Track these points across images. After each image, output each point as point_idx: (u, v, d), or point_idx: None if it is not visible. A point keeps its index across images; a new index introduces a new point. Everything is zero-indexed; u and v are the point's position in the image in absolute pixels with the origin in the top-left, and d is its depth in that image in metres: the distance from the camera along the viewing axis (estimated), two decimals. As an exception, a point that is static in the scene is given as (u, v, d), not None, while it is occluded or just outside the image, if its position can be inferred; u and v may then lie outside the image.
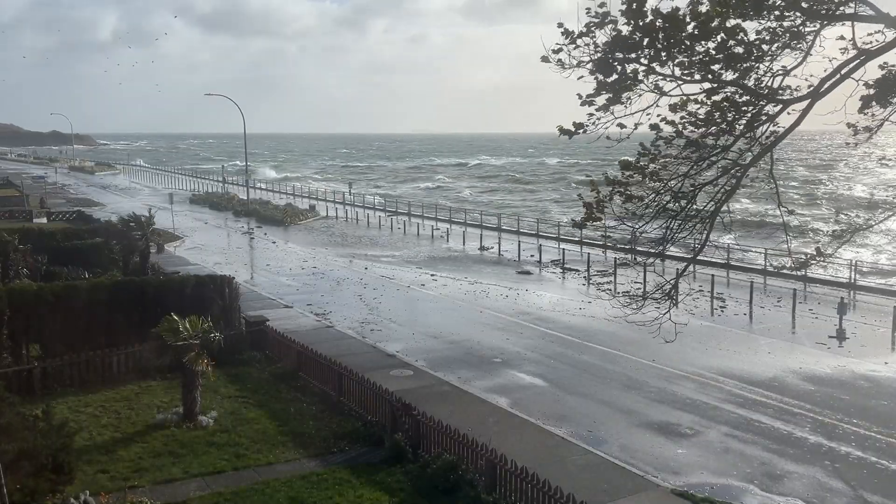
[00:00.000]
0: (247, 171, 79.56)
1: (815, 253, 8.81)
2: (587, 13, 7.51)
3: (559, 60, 7.66)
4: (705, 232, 8.72)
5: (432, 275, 38.19)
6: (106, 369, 20.52)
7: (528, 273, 39.32)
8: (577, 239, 49.15)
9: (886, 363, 23.32)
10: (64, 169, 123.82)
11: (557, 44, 7.65)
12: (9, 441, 11.88)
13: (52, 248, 34.72)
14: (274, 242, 49.89)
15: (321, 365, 19.94)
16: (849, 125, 8.20)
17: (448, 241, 50.91)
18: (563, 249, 43.93)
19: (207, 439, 16.68)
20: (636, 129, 7.93)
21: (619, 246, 37.99)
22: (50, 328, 21.28)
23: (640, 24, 7.38)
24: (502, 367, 22.76)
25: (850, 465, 16.04)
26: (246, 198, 70.93)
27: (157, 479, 14.79)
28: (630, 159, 8.14)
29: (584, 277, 37.85)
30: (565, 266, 40.65)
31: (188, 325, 18.02)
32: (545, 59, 7.67)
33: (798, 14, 7.70)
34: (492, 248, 47.34)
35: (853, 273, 35.18)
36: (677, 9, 7.49)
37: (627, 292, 9.66)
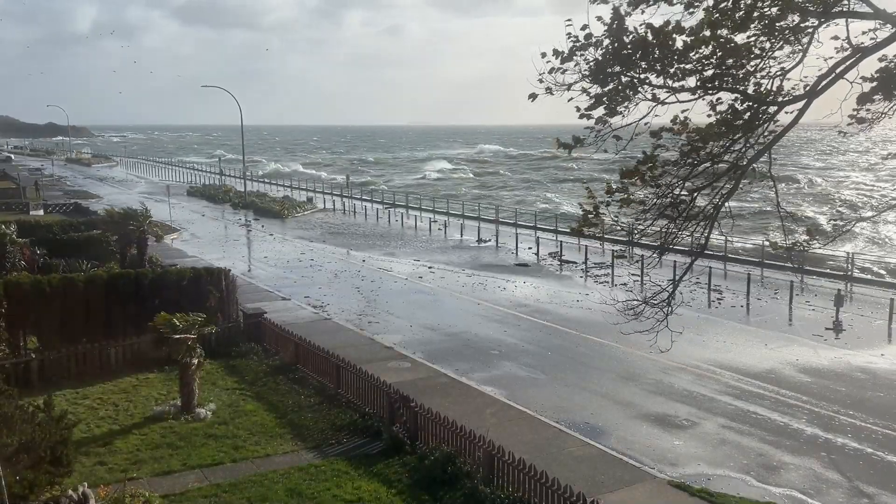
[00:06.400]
0: (244, 163, 79.36)
1: (807, 237, 8.83)
2: (568, 38, 7.63)
3: (547, 88, 7.84)
4: (705, 234, 8.72)
5: (430, 267, 38.22)
6: (104, 361, 20.54)
7: (525, 265, 39.34)
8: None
9: (883, 355, 23.39)
10: (61, 161, 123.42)
11: (540, 74, 7.81)
12: (7, 433, 11.88)
13: (49, 240, 34.73)
14: (271, 235, 49.84)
15: (319, 357, 19.96)
16: (850, 116, 8.21)
17: (446, 233, 50.89)
18: (561, 242, 43.95)
19: (205, 431, 16.72)
20: (632, 139, 7.99)
21: (617, 238, 38.00)
22: (47, 320, 21.29)
23: (626, 41, 7.46)
24: (500, 359, 22.79)
25: (847, 456, 16.11)
26: (243, 190, 70.79)
27: (155, 470, 14.83)
28: (629, 167, 8.14)
29: (582, 270, 37.89)
30: (563, 258, 40.70)
31: (183, 320, 18.01)
32: (533, 95, 7.89)
33: (794, 14, 7.69)
34: (489, 240, 47.37)
35: (850, 265, 35.26)
36: (668, 23, 7.52)
37: (627, 289, 9.71)
